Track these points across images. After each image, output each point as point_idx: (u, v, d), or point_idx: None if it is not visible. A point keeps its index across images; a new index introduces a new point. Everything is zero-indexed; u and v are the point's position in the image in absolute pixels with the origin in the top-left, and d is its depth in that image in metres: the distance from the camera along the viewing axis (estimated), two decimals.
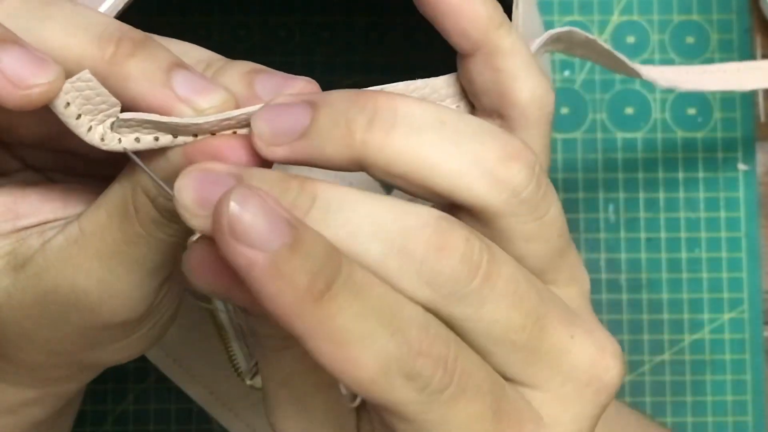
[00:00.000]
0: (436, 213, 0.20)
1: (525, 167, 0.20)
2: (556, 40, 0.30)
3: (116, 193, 0.24)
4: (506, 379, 0.21)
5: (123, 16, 0.45)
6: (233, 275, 0.18)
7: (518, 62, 0.24)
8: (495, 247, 0.20)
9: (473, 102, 0.26)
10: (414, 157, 0.20)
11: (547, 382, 0.21)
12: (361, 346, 0.18)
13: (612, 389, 0.21)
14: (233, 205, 0.17)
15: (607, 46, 0.31)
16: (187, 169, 0.19)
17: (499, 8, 0.24)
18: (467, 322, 0.20)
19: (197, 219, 0.19)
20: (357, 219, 0.19)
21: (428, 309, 0.19)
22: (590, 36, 0.30)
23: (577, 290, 0.22)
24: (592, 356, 0.21)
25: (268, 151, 0.21)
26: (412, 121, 0.20)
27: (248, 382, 0.35)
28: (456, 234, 0.19)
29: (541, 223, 0.21)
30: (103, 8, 0.31)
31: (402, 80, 0.31)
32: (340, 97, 0.21)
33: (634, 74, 0.33)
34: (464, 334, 0.20)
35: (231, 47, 0.48)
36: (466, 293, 0.19)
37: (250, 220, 0.17)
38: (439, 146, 0.20)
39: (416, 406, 0.19)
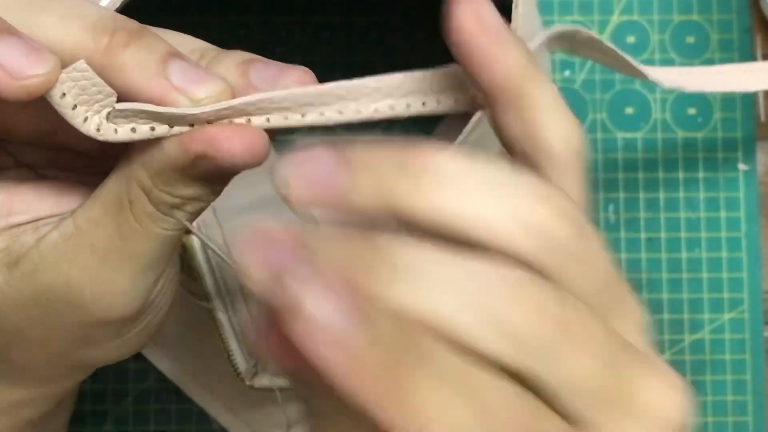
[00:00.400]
0: (508, 266, 0.19)
1: (556, 211, 0.19)
2: (560, 37, 0.30)
3: (111, 187, 0.24)
4: (573, 421, 0.19)
5: (122, 14, 0.44)
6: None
7: (550, 111, 0.23)
8: (568, 296, 0.19)
9: (504, 147, 0.25)
10: (449, 214, 0.19)
11: (617, 425, 0.19)
12: (439, 421, 0.17)
13: (685, 428, 0.20)
14: (308, 306, 0.16)
15: (612, 45, 0.31)
16: (246, 235, 0.18)
17: (532, 56, 0.24)
18: (547, 375, 0.18)
19: (268, 294, 0.17)
20: (435, 281, 0.18)
21: (506, 368, 0.18)
22: (595, 35, 0.30)
23: (633, 326, 0.21)
24: (664, 396, 0.20)
25: (295, 200, 0.20)
26: (444, 176, 0.19)
27: (248, 383, 0.35)
28: (531, 287, 0.18)
29: (584, 263, 0.20)
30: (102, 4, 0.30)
31: None
32: (377, 157, 0.20)
33: (639, 75, 0.33)
34: (540, 386, 0.19)
35: (230, 47, 0.48)
36: (547, 346, 0.18)
37: (325, 320, 0.16)
38: (472, 200, 0.19)
39: None
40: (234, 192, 0.42)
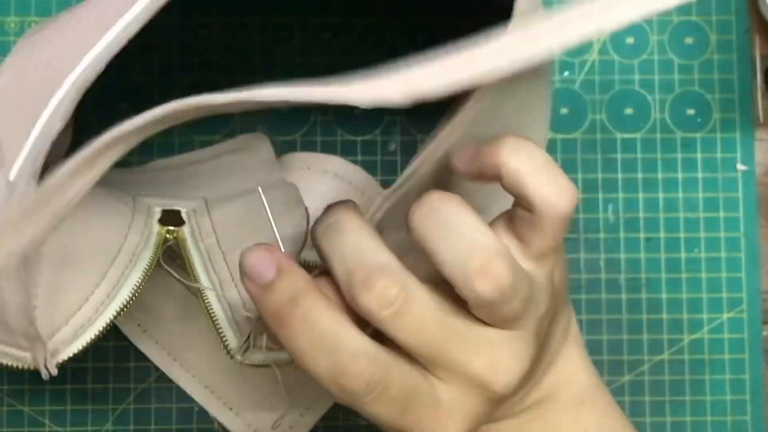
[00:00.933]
0: (381, 262, 0.29)
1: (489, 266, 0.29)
2: None
3: None
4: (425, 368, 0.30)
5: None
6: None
7: (534, 176, 0.30)
8: (413, 293, 0.29)
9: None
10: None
11: (448, 379, 0.29)
12: (312, 361, 0.28)
13: (497, 397, 0.30)
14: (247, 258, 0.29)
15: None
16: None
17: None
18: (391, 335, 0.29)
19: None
20: (344, 249, 0.30)
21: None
22: None
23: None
24: (484, 372, 0.29)
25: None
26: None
27: (239, 359, 0.35)
28: (381, 281, 0.28)
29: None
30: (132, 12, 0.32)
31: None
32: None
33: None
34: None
35: (231, 48, 0.48)
36: (383, 320, 0.28)
37: (252, 271, 0.29)
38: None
39: (349, 401, 0.29)
40: (222, 183, 0.42)
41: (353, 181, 0.45)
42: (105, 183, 0.41)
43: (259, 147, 0.45)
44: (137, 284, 0.36)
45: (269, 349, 0.33)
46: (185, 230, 0.37)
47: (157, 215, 0.37)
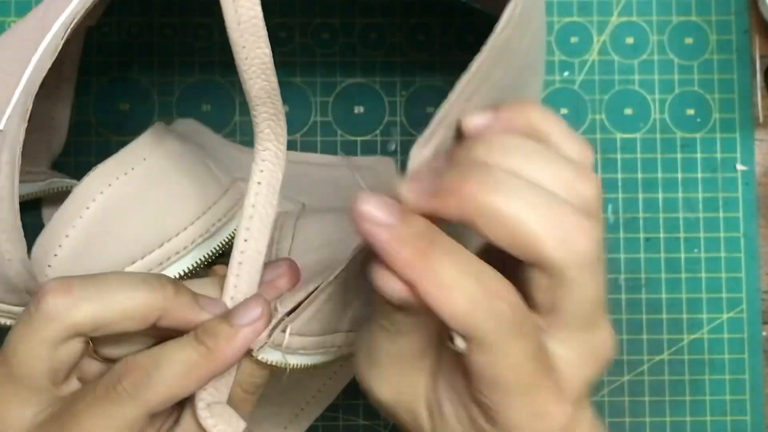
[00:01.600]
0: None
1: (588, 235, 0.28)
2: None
3: None
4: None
5: (123, 17, 0.45)
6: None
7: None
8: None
9: None
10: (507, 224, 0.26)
11: (568, 340, 0.28)
12: (456, 290, 0.25)
13: (604, 368, 0.28)
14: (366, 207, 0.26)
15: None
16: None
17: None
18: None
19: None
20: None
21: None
22: None
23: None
24: (606, 342, 0.28)
25: (411, 198, 0.27)
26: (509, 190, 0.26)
27: (253, 354, 0.35)
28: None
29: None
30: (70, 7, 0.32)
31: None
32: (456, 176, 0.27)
33: None
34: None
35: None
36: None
37: (377, 218, 0.26)
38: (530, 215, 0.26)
39: (492, 336, 0.26)
40: (330, 194, 0.43)
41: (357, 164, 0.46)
42: (214, 153, 0.41)
43: (383, 170, 0.46)
44: (201, 260, 0.36)
45: (286, 351, 0.33)
46: None
47: None
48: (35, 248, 0.34)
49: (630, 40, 0.48)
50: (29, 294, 0.34)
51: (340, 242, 0.37)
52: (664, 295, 0.47)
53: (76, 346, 0.31)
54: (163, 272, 0.35)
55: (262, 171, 0.32)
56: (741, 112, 0.48)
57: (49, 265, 0.34)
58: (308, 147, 0.47)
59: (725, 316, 0.47)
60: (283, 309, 0.33)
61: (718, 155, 0.48)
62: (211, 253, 0.36)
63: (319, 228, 0.38)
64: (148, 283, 0.31)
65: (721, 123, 0.48)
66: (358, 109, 0.48)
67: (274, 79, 0.31)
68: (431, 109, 0.48)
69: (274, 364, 0.32)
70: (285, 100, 0.48)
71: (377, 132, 0.48)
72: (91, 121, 0.47)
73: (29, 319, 0.30)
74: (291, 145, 0.47)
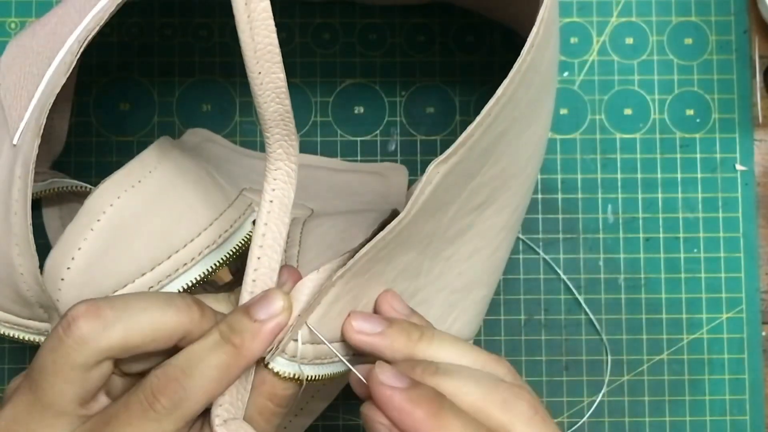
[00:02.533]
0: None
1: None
2: None
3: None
4: None
5: (123, 18, 0.45)
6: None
7: None
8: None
9: None
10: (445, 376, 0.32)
11: None
12: None
13: None
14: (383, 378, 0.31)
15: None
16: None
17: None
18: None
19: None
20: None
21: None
22: None
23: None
24: None
25: (355, 335, 0.33)
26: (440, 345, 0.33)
27: (267, 364, 0.35)
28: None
29: None
30: (94, 11, 0.32)
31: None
32: (400, 324, 0.33)
33: None
34: None
35: (231, 48, 0.48)
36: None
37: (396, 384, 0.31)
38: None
39: None
40: (339, 199, 0.43)
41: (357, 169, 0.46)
42: (222, 164, 0.41)
43: (393, 177, 0.46)
44: (208, 270, 0.36)
45: (302, 362, 0.33)
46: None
47: (254, 216, 0.37)
48: (48, 261, 0.34)
49: (630, 41, 0.48)
50: (42, 308, 0.34)
51: (342, 242, 0.37)
52: (663, 295, 0.47)
53: (107, 367, 0.30)
54: (172, 283, 0.35)
55: (273, 190, 0.33)
56: (740, 113, 0.48)
57: (62, 279, 0.34)
58: (308, 147, 0.47)
59: (725, 316, 0.47)
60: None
61: (718, 155, 0.48)
62: (218, 264, 0.36)
63: (325, 231, 0.38)
64: (174, 304, 0.31)
65: (720, 123, 0.48)
66: (358, 109, 0.48)
67: (287, 102, 0.31)
68: (431, 109, 0.48)
69: (291, 376, 0.32)
70: None
71: (377, 132, 0.48)
72: (92, 122, 0.47)
73: (59, 345, 0.30)
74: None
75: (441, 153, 0.47)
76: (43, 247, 0.34)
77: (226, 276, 0.42)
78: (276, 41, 0.31)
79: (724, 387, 0.47)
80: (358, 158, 0.48)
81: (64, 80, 0.32)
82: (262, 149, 0.47)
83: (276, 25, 0.47)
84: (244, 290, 0.32)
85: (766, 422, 0.47)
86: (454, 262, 0.37)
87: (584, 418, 0.47)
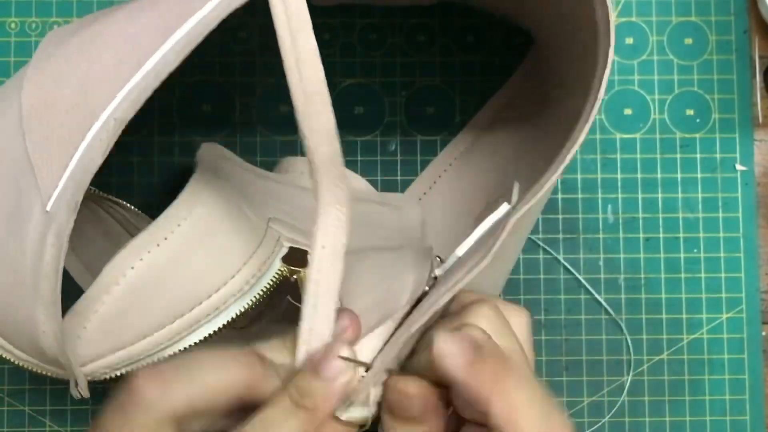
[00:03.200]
0: None
1: None
2: None
3: None
4: None
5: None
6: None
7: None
8: None
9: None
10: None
11: None
12: (523, 415, 0.28)
13: None
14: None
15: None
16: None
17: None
18: None
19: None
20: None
21: None
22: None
23: None
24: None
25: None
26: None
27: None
28: None
29: None
30: (129, 86, 0.32)
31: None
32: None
33: None
34: None
35: (231, 49, 0.48)
36: None
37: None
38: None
39: None
40: (361, 232, 0.43)
41: (355, 187, 0.46)
42: (244, 189, 0.41)
43: (409, 211, 0.45)
44: (235, 316, 0.35)
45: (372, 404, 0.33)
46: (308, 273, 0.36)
47: (284, 251, 0.36)
48: (66, 319, 0.33)
49: (629, 41, 0.48)
50: (56, 365, 0.34)
51: (381, 285, 0.36)
52: (663, 295, 0.47)
53: (171, 429, 0.30)
54: (195, 332, 0.34)
55: (325, 236, 0.32)
56: (740, 113, 0.48)
57: (78, 336, 0.33)
58: None
59: (725, 316, 0.47)
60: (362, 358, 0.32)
61: (718, 155, 0.48)
62: (245, 308, 0.35)
63: (365, 267, 0.37)
64: (237, 360, 0.31)
65: (720, 123, 0.48)
66: (358, 109, 0.48)
67: (337, 143, 0.31)
68: (431, 109, 0.48)
69: (357, 420, 0.32)
70: (285, 100, 0.48)
71: (377, 132, 0.48)
72: None
73: (122, 410, 0.30)
74: (291, 146, 0.48)
75: (440, 152, 0.47)
76: None
77: None
78: (324, 80, 0.30)
79: (724, 387, 0.47)
80: (359, 158, 0.48)
81: (101, 159, 0.31)
82: (263, 149, 0.47)
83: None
84: (301, 341, 0.32)
85: (766, 422, 0.47)
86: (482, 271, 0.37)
87: (585, 419, 0.47)
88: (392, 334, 0.33)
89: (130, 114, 0.31)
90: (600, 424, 0.47)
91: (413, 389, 0.31)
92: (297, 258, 0.36)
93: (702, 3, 0.49)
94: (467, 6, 0.48)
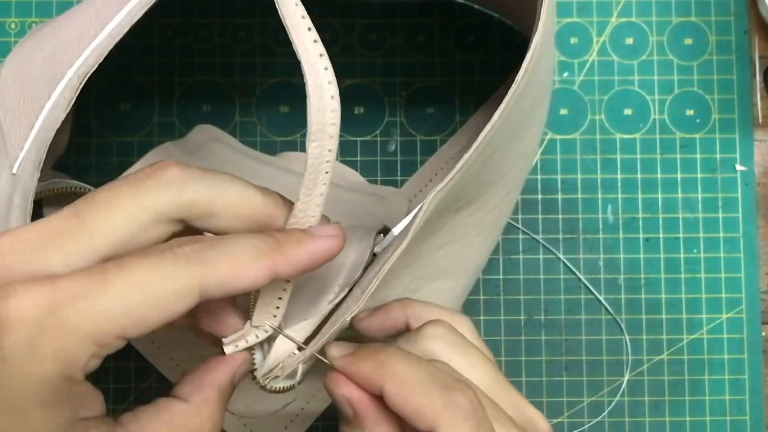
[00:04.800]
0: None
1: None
2: None
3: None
4: None
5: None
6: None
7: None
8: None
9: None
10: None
11: None
12: (413, 384, 0.28)
13: None
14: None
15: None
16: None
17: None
18: None
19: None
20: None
21: None
22: None
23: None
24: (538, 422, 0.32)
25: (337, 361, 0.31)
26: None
27: (262, 383, 0.34)
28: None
29: None
30: (94, 44, 0.33)
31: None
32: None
33: None
34: None
35: (231, 49, 0.48)
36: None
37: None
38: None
39: (452, 428, 0.28)
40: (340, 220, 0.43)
41: (347, 183, 0.46)
42: (224, 169, 0.41)
43: (394, 202, 0.45)
44: None
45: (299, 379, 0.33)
46: None
47: None
48: None
49: (629, 41, 0.48)
50: None
51: (333, 267, 0.36)
52: (663, 296, 0.47)
53: (166, 229, 0.28)
54: None
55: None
56: (740, 113, 0.48)
57: None
58: None
59: (725, 316, 0.47)
60: (295, 336, 0.32)
61: (718, 156, 0.48)
62: None
63: None
64: (262, 189, 0.30)
65: (720, 123, 0.48)
66: (358, 110, 0.48)
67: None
68: (431, 109, 0.48)
69: (282, 388, 0.32)
70: (285, 100, 0.48)
71: (377, 132, 0.48)
72: (92, 122, 0.47)
73: (139, 184, 0.27)
74: (291, 146, 0.48)
75: (435, 153, 0.47)
76: None
77: None
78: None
79: (724, 387, 0.47)
80: (358, 158, 0.48)
81: (64, 115, 0.32)
82: (263, 149, 0.47)
83: (276, 26, 0.47)
84: (292, 217, 0.31)
85: (766, 422, 0.47)
86: (422, 254, 0.37)
87: (587, 418, 0.47)
88: (327, 318, 0.33)
89: (91, 68, 0.32)
90: (600, 424, 0.47)
91: (346, 392, 0.30)
92: None
93: (702, 3, 0.49)
94: (467, 6, 0.48)
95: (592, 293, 0.47)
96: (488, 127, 0.31)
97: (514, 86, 0.32)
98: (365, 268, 0.35)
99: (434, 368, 0.29)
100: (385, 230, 0.38)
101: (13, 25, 0.48)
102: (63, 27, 0.35)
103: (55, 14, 0.48)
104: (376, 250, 0.36)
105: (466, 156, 0.31)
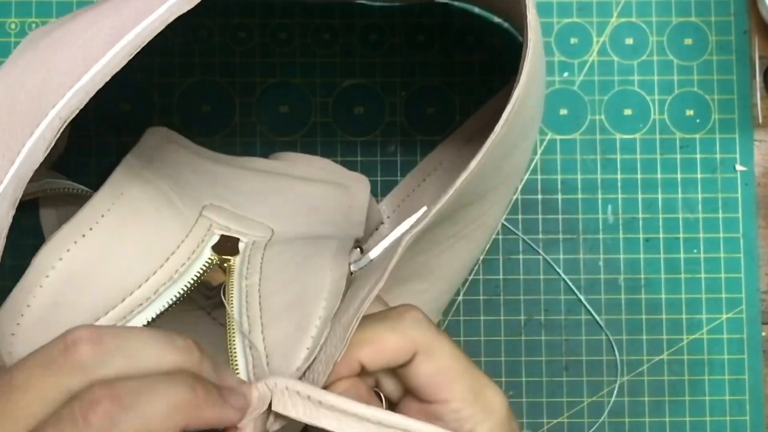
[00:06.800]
0: None
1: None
2: None
3: None
4: None
5: None
6: None
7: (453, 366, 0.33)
8: None
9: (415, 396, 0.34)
10: None
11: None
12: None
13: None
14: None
15: None
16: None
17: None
18: None
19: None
20: None
21: None
22: None
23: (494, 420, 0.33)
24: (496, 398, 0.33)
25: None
26: None
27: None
28: None
29: None
30: (78, 86, 0.32)
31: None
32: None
33: None
34: None
35: (231, 49, 0.48)
36: None
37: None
38: None
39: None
40: (302, 216, 0.42)
41: (342, 182, 0.45)
42: (182, 173, 0.41)
43: (356, 189, 0.44)
44: (167, 304, 0.35)
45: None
46: (236, 262, 0.36)
47: (214, 240, 0.36)
48: None
49: (629, 41, 0.48)
50: None
51: (305, 273, 0.36)
52: (663, 296, 0.47)
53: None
54: (129, 322, 0.34)
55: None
56: (740, 113, 0.48)
57: (12, 333, 0.33)
58: (308, 147, 0.47)
59: (724, 316, 0.47)
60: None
61: (718, 156, 0.48)
62: (174, 299, 0.35)
63: (287, 260, 0.37)
64: (175, 344, 0.30)
65: (720, 124, 0.48)
66: (358, 110, 0.48)
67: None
68: (431, 110, 0.48)
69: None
70: (285, 100, 0.48)
71: (377, 132, 0.48)
72: (91, 122, 0.47)
73: (51, 364, 0.28)
74: (291, 146, 0.48)
75: (416, 166, 0.47)
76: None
77: (219, 276, 0.41)
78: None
79: (724, 387, 0.47)
80: (358, 159, 0.48)
81: (42, 158, 0.31)
82: (263, 150, 0.47)
83: (276, 26, 0.48)
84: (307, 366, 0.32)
85: (766, 422, 0.47)
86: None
87: (585, 419, 0.47)
88: (309, 365, 0.32)
89: (73, 113, 0.31)
90: (600, 424, 0.47)
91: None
92: (228, 247, 0.36)
93: (702, 3, 0.49)
94: (467, 6, 0.48)
95: (574, 294, 0.47)
96: (464, 174, 0.30)
97: (492, 136, 0.31)
98: (344, 294, 0.35)
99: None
100: (359, 244, 0.38)
101: (13, 26, 0.48)
102: (58, 49, 0.34)
103: (56, 15, 0.48)
104: (353, 268, 0.36)
105: (443, 199, 0.31)
